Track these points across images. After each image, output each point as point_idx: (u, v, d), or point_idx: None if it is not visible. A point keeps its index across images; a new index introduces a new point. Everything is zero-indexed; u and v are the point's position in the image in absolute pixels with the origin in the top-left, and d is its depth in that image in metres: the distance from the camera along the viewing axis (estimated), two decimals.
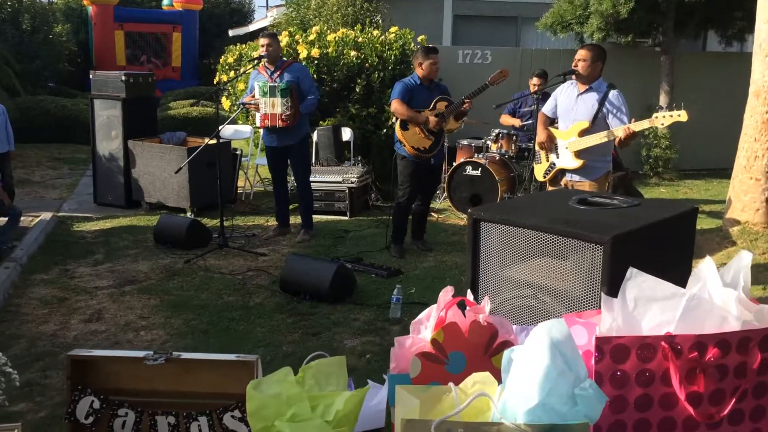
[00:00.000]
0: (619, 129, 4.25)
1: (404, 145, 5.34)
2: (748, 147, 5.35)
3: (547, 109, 4.73)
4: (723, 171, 9.08)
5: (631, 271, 1.40)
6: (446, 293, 1.19)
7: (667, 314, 1.39)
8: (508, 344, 1.26)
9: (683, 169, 9.33)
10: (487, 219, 2.02)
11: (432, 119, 5.25)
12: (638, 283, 1.40)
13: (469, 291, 1.29)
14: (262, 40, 5.72)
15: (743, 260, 1.50)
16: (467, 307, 1.20)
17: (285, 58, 6.49)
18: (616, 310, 1.40)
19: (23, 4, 14.08)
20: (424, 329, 1.22)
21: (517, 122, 7.18)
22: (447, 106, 5.30)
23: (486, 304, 1.22)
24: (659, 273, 2.03)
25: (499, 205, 2.29)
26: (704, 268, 1.49)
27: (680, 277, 2.17)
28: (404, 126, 5.35)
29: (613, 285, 1.78)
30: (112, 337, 3.96)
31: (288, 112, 5.56)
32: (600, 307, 1.74)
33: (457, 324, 1.19)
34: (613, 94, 4.35)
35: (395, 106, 5.34)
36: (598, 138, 4.32)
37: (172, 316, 4.26)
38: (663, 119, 4.15)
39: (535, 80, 7.05)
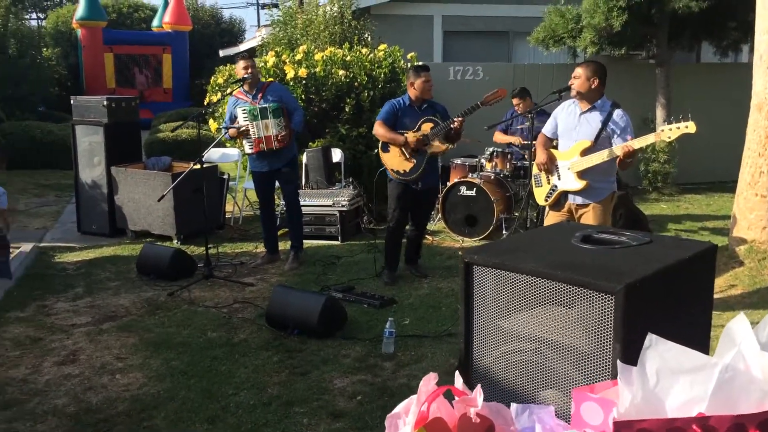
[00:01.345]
0: (618, 147, 4.05)
1: (386, 168, 5.18)
2: (752, 162, 5.15)
3: (546, 129, 4.50)
4: (723, 185, 8.91)
5: (650, 339, 1.17)
6: (428, 382, 0.97)
7: (696, 389, 1.16)
8: None
9: (682, 183, 9.13)
10: (481, 263, 1.80)
11: (411, 137, 5.01)
12: (660, 352, 1.17)
13: (457, 374, 1.06)
14: (243, 63, 5.50)
15: None
16: (455, 397, 0.99)
17: (263, 80, 6.28)
18: (636, 384, 1.18)
19: (8, 29, 13.90)
20: (403, 426, 1.00)
21: (516, 139, 6.91)
22: (433, 128, 5.05)
23: (478, 395, 0.99)
24: (677, 323, 1.82)
25: (494, 245, 2.07)
26: (737, 327, 1.26)
27: (700, 328, 1.96)
28: (385, 147, 5.17)
29: (627, 340, 1.56)
30: (86, 381, 3.71)
31: (283, 132, 5.39)
32: (613, 368, 1.51)
33: (444, 420, 0.97)
34: (617, 114, 4.14)
35: (375, 127, 5.18)
36: (600, 156, 4.10)
37: (151, 356, 4.01)
38: (670, 132, 3.94)
39: (514, 101, 6.84)
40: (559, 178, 4.33)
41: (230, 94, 7.11)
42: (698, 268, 1.82)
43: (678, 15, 8.11)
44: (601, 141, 4.16)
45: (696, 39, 9.48)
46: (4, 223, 5.53)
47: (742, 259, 5.02)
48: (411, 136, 5.05)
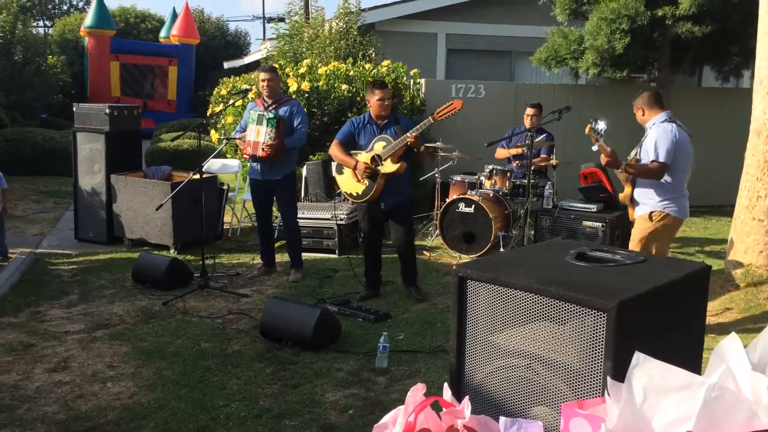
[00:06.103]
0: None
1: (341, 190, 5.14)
2: (750, 186, 5.15)
3: None
4: (722, 208, 8.91)
5: (638, 357, 1.17)
6: (416, 393, 0.97)
7: (683, 408, 1.16)
8: None
9: None
10: (474, 277, 1.80)
11: (361, 164, 4.87)
12: (646, 370, 1.17)
13: (446, 385, 1.06)
14: (262, 75, 5.56)
15: None
16: (443, 409, 0.98)
17: (286, 95, 6.21)
18: (623, 402, 1.17)
19: (16, 35, 14.00)
20: None
21: (509, 152, 6.95)
22: (385, 147, 4.84)
23: (466, 407, 0.99)
24: (669, 342, 1.81)
25: (489, 260, 2.07)
26: (728, 346, 1.26)
27: (692, 348, 1.95)
28: (339, 169, 5.08)
29: (618, 357, 1.56)
30: (76, 389, 3.68)
31: (270, 142, 5.30)
32: (604, 386, 1.51)
33: (430, 431, 0.96)
34: (651, 132, 4.40)
35: (331, 147, 5.08)
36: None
37: (143, 365, 3.99)
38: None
39: (529, 110, 6.83)
40: None
41: (232, 105, 7.13)
42: (691, 289, 1.81)
43: (680, 39, 8.16)
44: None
45: (698, 63, 9.53)
46: (3, 204, 6.13)
47: (738, 282, 5.01)
48: (361, 163, 4.87)
